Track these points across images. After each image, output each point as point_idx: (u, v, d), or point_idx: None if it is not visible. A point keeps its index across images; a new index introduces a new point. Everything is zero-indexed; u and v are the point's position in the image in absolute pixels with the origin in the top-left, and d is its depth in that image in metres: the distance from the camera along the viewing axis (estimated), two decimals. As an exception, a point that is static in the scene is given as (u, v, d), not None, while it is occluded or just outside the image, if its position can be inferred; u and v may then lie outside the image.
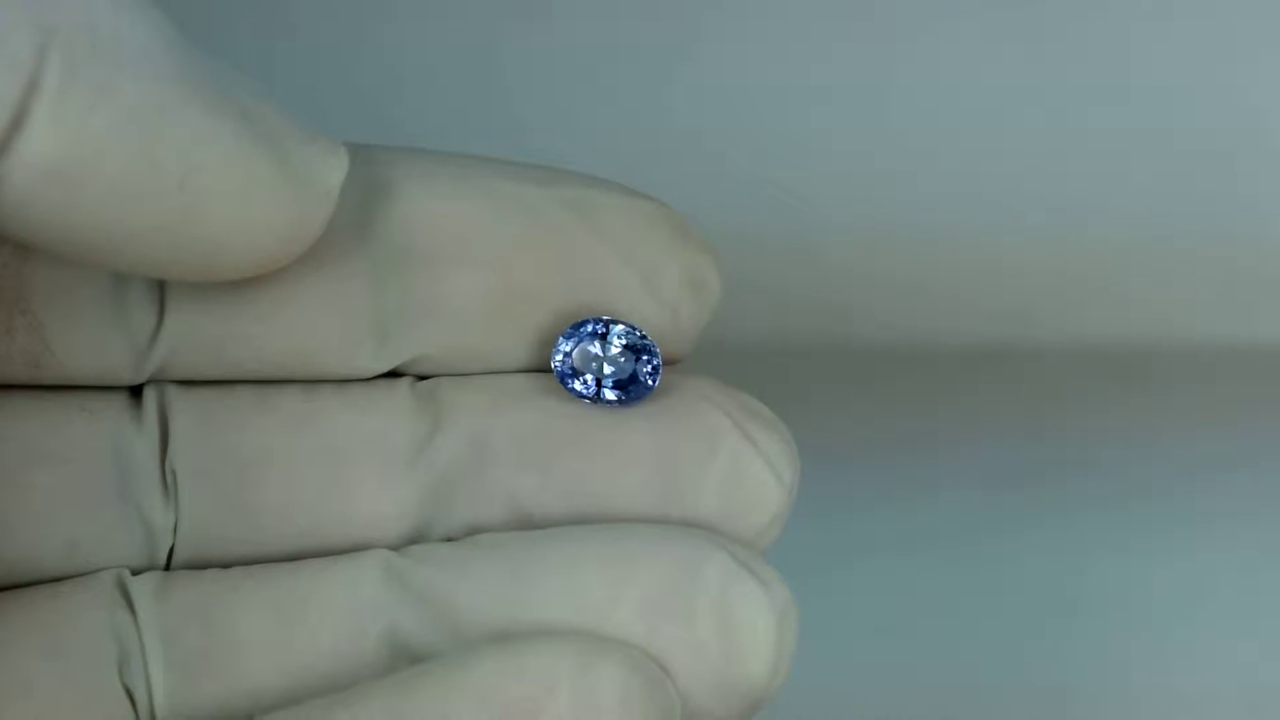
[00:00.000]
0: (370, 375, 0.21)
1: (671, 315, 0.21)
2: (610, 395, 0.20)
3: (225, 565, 0.20)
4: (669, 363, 0.21)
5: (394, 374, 0.21)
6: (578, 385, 0.20)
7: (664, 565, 0.19)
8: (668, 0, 0.36)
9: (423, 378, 0.21)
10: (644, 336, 0.20)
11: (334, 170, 0.19)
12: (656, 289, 0.21)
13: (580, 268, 0.20)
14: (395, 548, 0.20)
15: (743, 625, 0.19)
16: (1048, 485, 0.37)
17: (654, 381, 0.20)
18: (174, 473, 0.20)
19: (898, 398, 0.38)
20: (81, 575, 0.20)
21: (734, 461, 0.20)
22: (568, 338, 0.20)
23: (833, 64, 0.37)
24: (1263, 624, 0.36)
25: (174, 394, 0.20)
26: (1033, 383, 0.39)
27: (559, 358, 0.20)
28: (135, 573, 0.20)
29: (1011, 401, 0.38)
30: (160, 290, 0.20)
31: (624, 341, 0.20)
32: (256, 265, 0.19)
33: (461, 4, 0.35)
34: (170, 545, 0.20)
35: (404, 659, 0.20)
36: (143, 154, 0.17)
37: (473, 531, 0.20)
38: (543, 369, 0.21)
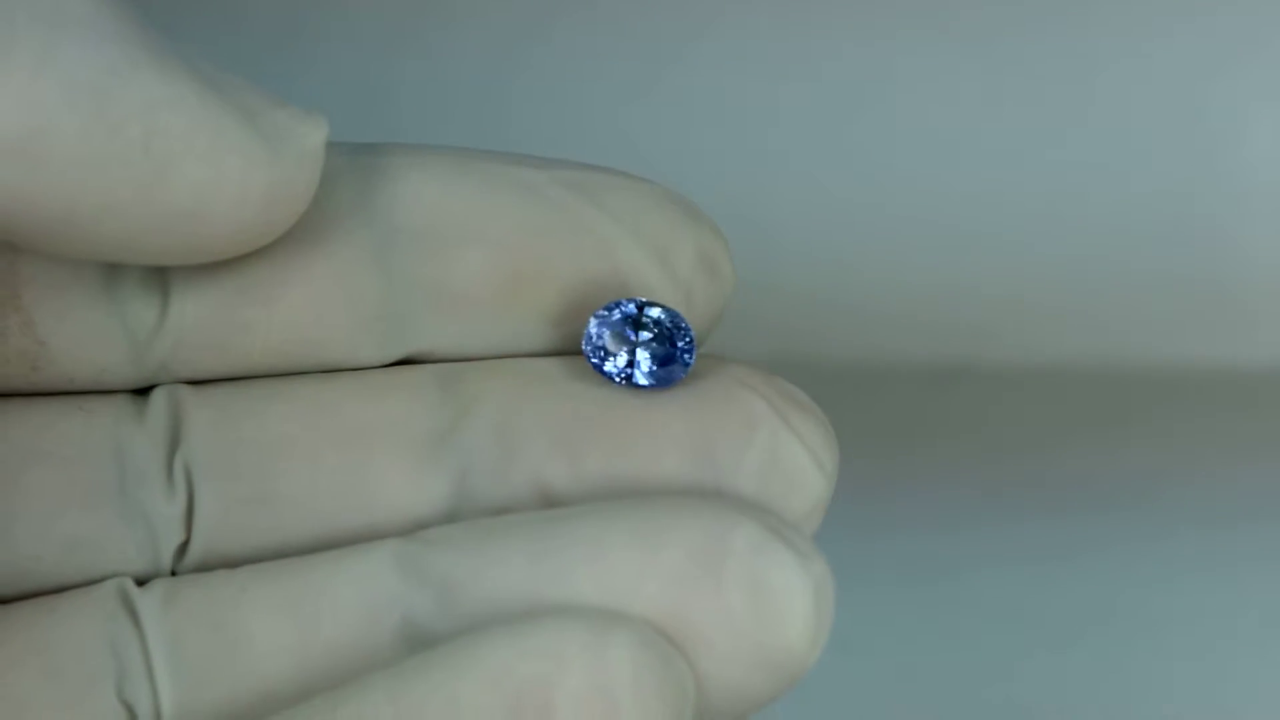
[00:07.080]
0: (383, 362, 0.20)
1: (686, 297, 0.20)
2: (643, 379, 0.19)
3: (246, 559, 0.19)
4: None
5: (412, 361, 0.20)
6: (609, 368, 0.19)
7: (691, 536, 0.18)
8: (631, 27, 0.36)
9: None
10: (679, 317, 0.19)
11: (312, 131, 0.18)
12: (670, 268, 0.20)
13: (588, 246, 0.20)
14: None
15: (775, 592, 0.18)
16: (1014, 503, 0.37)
17: (689, 364, 0.19)
18: (188, 467, 0.19)
19: (858, 418, 0.37)
20: (82, 585, 0.19)
21: (772, 447, 0.19)
22: (599, 319, 0.19)
23: (793, 87, 0.37)
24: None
25: (186, 392, 0.20)
26: (993, 403, 0.39)
27: (590, 340, 0.19)
28: (141, 577, 0.19)
29: (971, 422, 0.38)
30: (162, 283, 0.19)
31: (658, 322, 0.19)
32: (242, 236, 0.18)
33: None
34: (180, 542, 0.19)
35: (421, 649, 0.18)
36: (98, 120, 0.17)
37: None
38: (561, 351, 0.20)
